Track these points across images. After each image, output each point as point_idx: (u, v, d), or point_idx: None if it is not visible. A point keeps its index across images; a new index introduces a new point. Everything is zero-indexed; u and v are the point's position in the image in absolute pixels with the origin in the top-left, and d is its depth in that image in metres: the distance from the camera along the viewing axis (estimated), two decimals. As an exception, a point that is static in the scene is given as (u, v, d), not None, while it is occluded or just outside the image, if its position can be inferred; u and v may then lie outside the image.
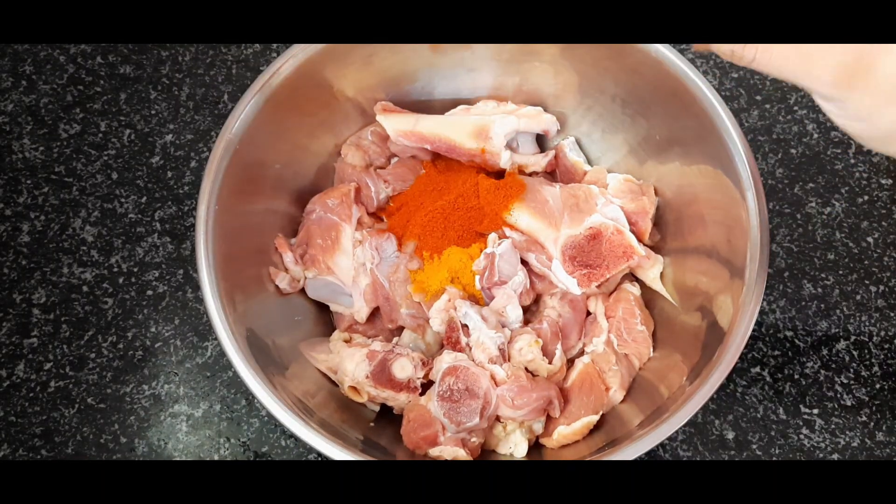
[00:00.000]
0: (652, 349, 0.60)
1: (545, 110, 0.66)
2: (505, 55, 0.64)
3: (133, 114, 0.74)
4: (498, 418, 0.55)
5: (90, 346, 0.64)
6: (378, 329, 0.62)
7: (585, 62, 0.62)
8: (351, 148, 0.65)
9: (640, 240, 0.61)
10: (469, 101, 0.67)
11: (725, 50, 0.42)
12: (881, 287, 0.68)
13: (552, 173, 0.68)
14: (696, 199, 0.60)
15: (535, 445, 0.57)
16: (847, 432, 0.62)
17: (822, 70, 0.40)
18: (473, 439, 0.54)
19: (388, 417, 0.58)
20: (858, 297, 0.67)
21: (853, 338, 0.66)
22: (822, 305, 0.67)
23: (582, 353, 0.60)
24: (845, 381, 0.64)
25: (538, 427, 0.56)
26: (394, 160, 0.67)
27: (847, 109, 0.41)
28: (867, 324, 0.66)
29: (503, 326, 0.58)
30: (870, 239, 0.70)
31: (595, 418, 0.56)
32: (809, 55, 0.40)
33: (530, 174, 0.66)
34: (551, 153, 0.66)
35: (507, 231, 0.61)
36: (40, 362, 0.64)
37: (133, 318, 0.65)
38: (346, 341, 0.59)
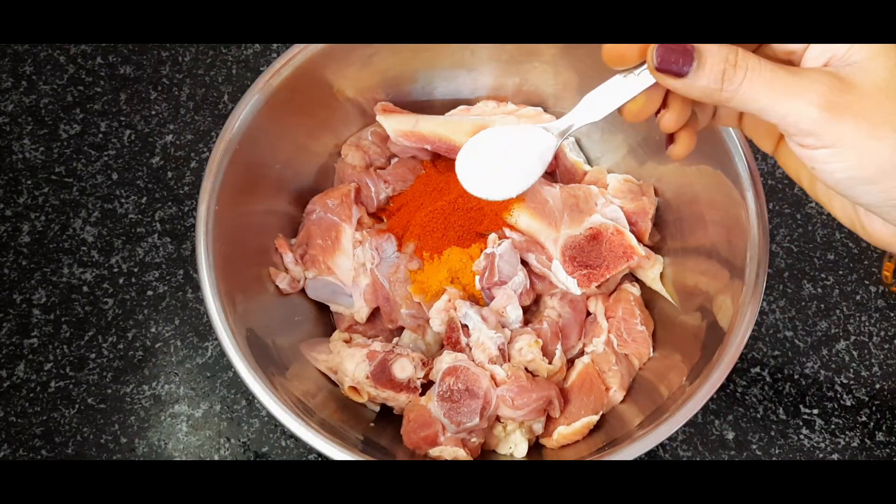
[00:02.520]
0: (652, 349, 0.60)
1: (545, 110, 0.66)
2: (505, 55, 0.64)
3: (133, 114, 0.74)
4: (498, 418, 0.55)
5: (90, 346, 0.64)
6: (378, 329, 0.62)
7: (585, 62, 0.62)
8: (351, 148, 0.65)
9: (640, 240, 0.61)
10: (469, 102, 0.67)
11: (707, 83, 0.35)
12: (881, 287, 0.68)
13: (552, 173, 0.68)
14: (696, 199, 0.60)
15: (535, 445, 0.57)
16: (847, 432, 0.62)
17: (807, 93, 0.34)
18: (473, 439, 0.54)
19: (388, 417, 0.58)
20: (858, 297, 0.67)
21: (853, 338, 0.66)
22: (822, 305, 0.67)
23: (582, 353, 0.60)
24: (845, 381, 0.64)
25: (538, 427, 0.56)
26: (394, 160, 0.67)
27: (837, 146, 0.35)
28: (867, 324, 0.66)
29: (503, 326, 0.58)
30: (870, 239, 0.70)
31: (595, 418, 0.56)
32: (792, 81, 0.35)
33: (530, 174, 0.66)
34: (551, 153, 0.66)
35: (507, 231, 0.61)
36: (40, 363, 0.64)
37: (133, 319, 0.65)
38: (347, 341, 0.59)
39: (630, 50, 0.39)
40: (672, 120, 0.42)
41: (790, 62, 0.38)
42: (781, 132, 0.37)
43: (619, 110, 0.42)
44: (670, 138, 0.44)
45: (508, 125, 0.46)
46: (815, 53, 0.36)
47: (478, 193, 0.47)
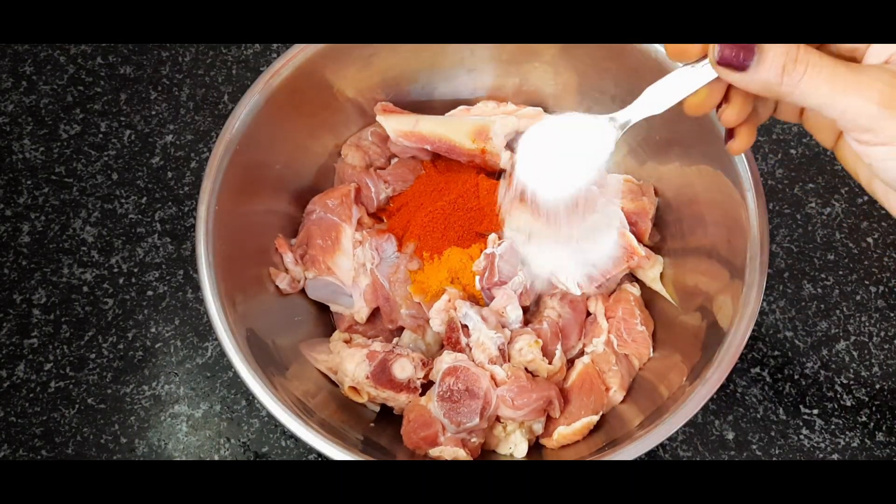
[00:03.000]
0: (652, 349, 0.60)
1: (545, 111, 0.66)
2: (505, 55, 0.64)
3: (133, 114, 0.74)
4: (498, 418, 0.55)
5: (90, 346, 0.64)
6: (378, 329, 0.62)
7: (585, 62, 0.62)
8: (351, 148, 0.65)
9: (640, 240, 0.61)
10: (469, 102, 0.67)
11: (767, 77, 0.35)
12: (881, 287, 0.68)
13: (552, 173, 0.68)
14: (696, 200, 0.60)
15: (535, 445, 0.57)
16: (847, 432, 0.62)
17: (867, 90, 0.34)
18: (473, 439, 0.54)
19: (389, 418, 0.58)
20: (858, 298, 0.67)
21: (853, 338, 0.66)
22: (822, 305, 0.67)
23: (582, 353, 0.60)
24: (845, 382, 0.64)
25: (538, 427, 0.56)
26: (394, 160, 0.67)
27: (887, 142, 0.35)
28: (867, 324, 0.66)
29: (503, 327, 0.58)
30: (870, 239, 0.70)
31: (595, 418, 0.56)
32: (852, 78, 0.35)
33: (530, 174, 0.66)
34: (551, 153, 0.66)
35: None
36: (40, 363, 0.64)
37: (133, 319, 0.65)
38: (347, 342, 0.59)
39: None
40: (733, 114, 0.42)
41: (853, 59, 0.38)
42: (840, 128, 0.37)
43: (681, 103, 0.42)
44: (730, 133, 0.44)
45: (568, 116, 0.47)
46: (878, 50, 0.37)
47: (541, 192, 0.47)
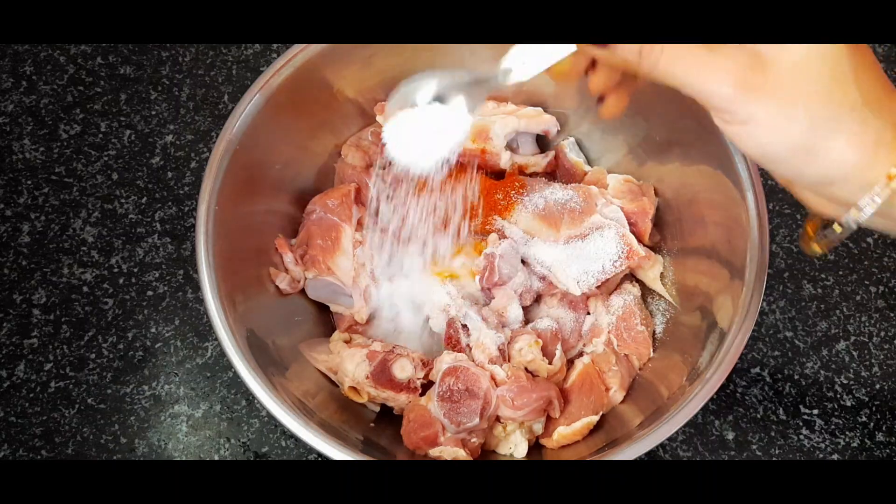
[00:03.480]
0: (652, 349, 0.60)
1: (545, 111, 0.66)
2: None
3: (133, 114, 0.74)
4: (498, 419, 0.55)
5: (90, 346, 0.64)
6: (378, 329, 0.62)
7: (585, 62, 0.62)
8: (351, 148, 0.65)
9: (640, 240, 0.61)
10: (469, 102, 0.67)
11: (626, 54, 0.35)
12: (881, 287, 0.68)
13: (552, 173, 0.68)
14: (696, 200, 0.60)
15: (535, 445, 0.57)
16: (847, 432, 0.62)
17: (721, 72, 0.34)
18: (473, 439, 0.54)
19: (389, 418, 0.58)
20: (858, 298, 0.67)
21: (853, 338, 0.66)
22: (822, 306, 0.67)
23: (582, 353, 0.60)
24: (845, 382, 0.64)
25: (538, 427, 0.56)
26: (394, 160, 0.67)
27: (750, 123, 0.35)
28: (867, 324, 0.66)
29: (503, 326, 0.58)
30: (870, 239, 0.70)
31: (595, 419, 0.56)
32: (708, 59, 0.35)
33: (530, 174, 0.66)
34: (551, 153, 0.66)
35: (507, 230, 0.61)
36: (40, 363, 0.64)
37: (133, 319, 0.65)
38: (347, 342, 0.59)
39: None
40: (600, 82, 0.42)
41: None
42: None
43: (547, 71, 0.42)
44: (600, 98, 0.44)
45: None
46: None
47: (408, 165, 0.49)
